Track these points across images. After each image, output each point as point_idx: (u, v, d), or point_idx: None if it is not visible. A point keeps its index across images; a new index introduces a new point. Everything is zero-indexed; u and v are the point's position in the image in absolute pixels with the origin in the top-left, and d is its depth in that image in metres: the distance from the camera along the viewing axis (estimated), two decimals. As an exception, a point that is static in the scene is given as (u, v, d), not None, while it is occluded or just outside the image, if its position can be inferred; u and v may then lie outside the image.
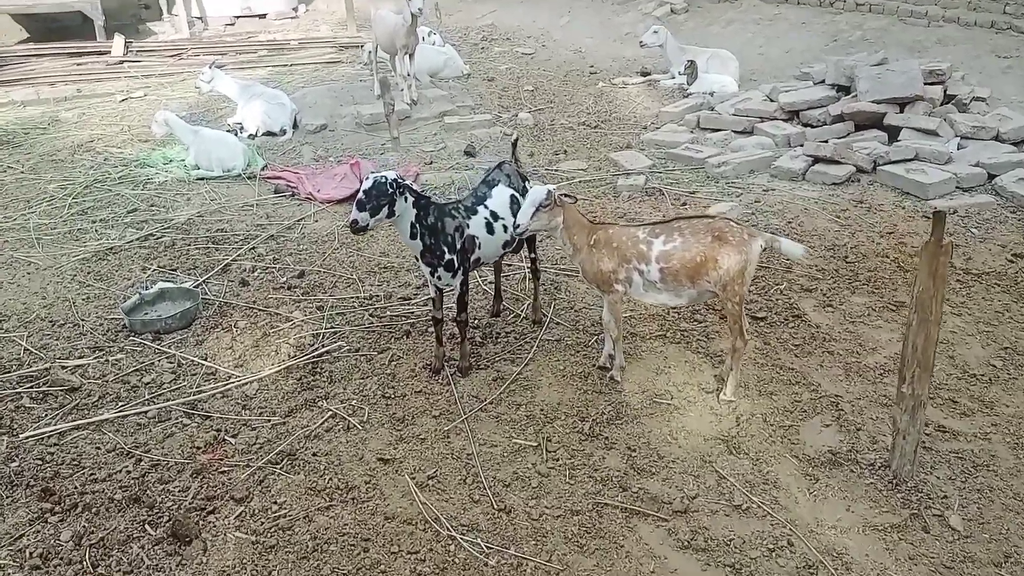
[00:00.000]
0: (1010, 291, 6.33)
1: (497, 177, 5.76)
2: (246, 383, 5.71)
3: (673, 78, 13.38)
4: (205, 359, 6.02)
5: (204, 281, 7.16)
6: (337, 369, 5.85)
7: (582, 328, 6.22)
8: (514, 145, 6.21)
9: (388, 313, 6.60)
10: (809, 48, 13.36)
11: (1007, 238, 7.15)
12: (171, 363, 5.98)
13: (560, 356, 5.86)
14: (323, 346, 6.12)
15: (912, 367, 4.26)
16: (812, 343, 5.84)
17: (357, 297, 6.89)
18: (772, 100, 11.19)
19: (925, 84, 9.52)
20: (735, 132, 10.57)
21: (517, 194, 5.74)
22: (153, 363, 5.98)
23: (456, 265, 5.33)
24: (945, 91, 9.81)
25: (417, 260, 5.42)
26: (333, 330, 6.34)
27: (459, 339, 5.72)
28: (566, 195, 5.08)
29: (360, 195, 4.85)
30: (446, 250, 5.26)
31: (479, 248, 5.49)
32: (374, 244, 7.98)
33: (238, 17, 19.90)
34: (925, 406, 4.37)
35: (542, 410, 5.28)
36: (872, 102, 9.47)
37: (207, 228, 8.37)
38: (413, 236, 5.18)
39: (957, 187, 8.05)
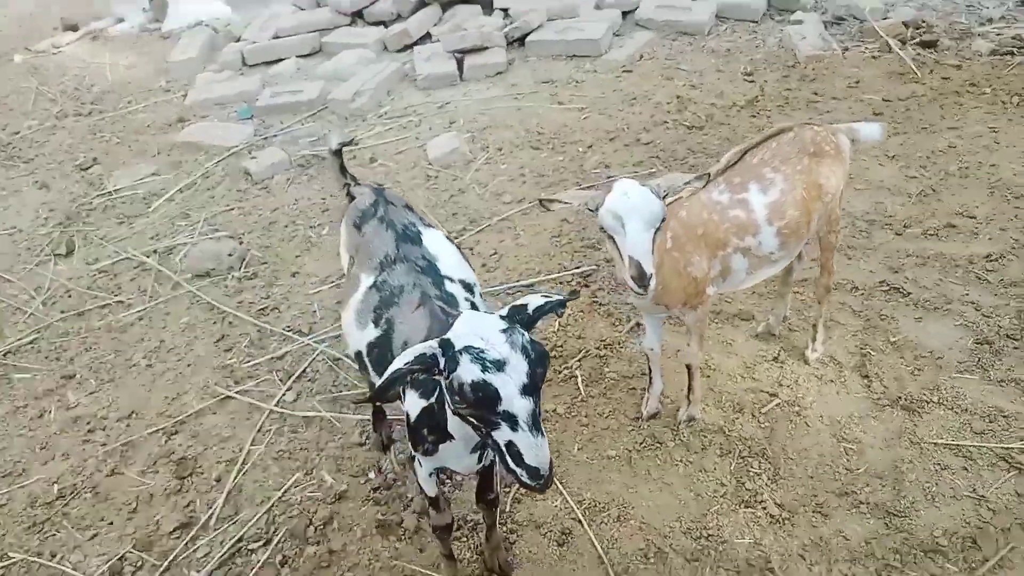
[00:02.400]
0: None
1: (407, 219, 2.83)
2: None
3: (122, 20, 9.64)
4: None
5: None
6: None
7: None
8: (339, 153, 3.15)
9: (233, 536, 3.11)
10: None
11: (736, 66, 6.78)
12: None
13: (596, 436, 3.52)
14: None
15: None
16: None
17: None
18: (303, 8, 8.87)
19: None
20: (300, 57, 8.05)
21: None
22: None
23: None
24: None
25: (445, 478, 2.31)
26: None
27: (487, 530, 2.93)
28: (703, 175, 2.62)
29: (530, 404, 1.82)
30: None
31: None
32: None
33: None
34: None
35: (693, 556, 3.06)
36: (451, -27, 8.06)
37: None
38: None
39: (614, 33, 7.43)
